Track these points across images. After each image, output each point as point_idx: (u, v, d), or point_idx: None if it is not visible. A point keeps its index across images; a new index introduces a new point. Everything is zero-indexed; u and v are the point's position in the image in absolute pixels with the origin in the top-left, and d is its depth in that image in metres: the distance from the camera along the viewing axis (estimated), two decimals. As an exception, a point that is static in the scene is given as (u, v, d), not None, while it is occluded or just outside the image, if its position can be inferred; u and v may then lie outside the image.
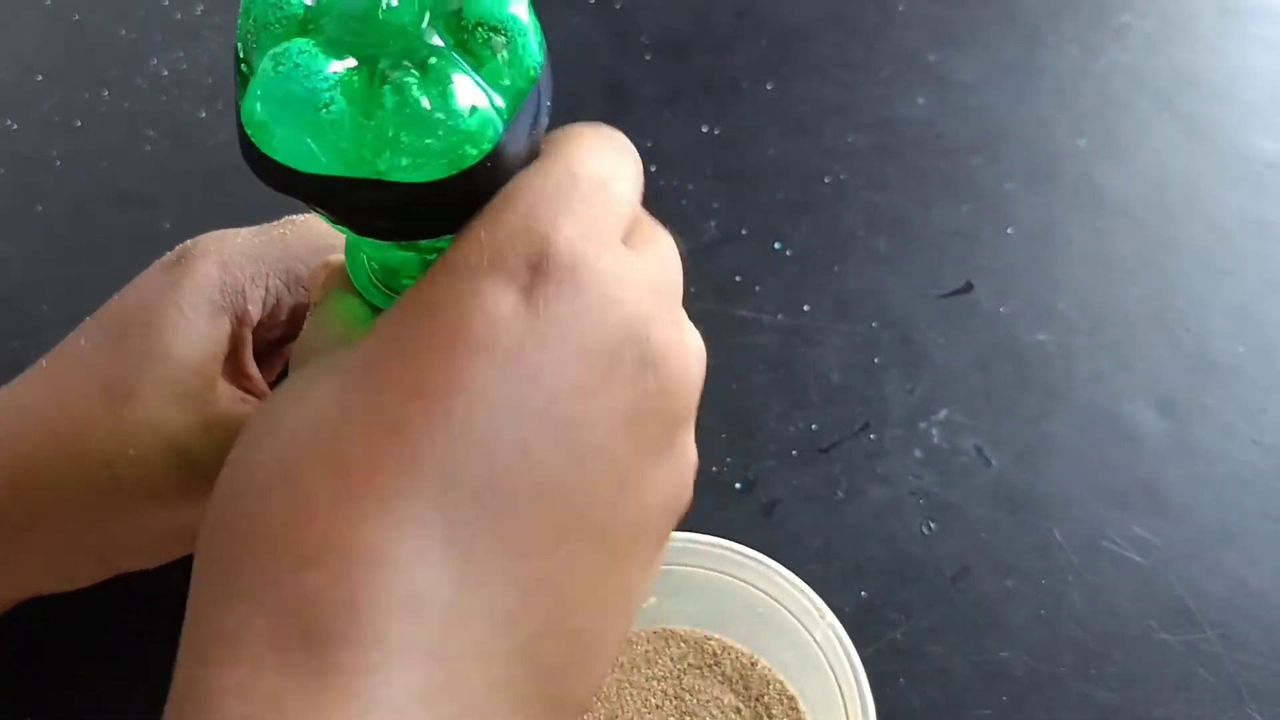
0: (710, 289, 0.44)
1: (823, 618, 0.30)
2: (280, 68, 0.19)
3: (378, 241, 0.23)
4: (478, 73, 0.20)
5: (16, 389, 0.30)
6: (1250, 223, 0.46)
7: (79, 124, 0.50)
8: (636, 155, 0.24)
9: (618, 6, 0.54)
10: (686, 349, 0.22)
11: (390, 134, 0.19)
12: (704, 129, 0.49)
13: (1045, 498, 0.38)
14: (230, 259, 0.30)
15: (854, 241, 0.45)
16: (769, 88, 0.51)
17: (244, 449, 0.20)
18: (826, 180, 0.47)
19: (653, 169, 0.48)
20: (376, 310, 0.26)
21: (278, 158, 0.19)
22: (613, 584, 0.22)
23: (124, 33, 0.53)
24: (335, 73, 0.19)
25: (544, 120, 0.22)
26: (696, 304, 0.43)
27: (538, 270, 0.20)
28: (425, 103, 0.19)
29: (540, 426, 0.19)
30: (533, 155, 0.22)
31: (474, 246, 0.20)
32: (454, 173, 0.20)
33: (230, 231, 0.31)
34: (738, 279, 0.44)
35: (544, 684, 0.20)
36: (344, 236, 0.29)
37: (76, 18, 0.54)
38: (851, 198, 0.47)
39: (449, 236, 0.21)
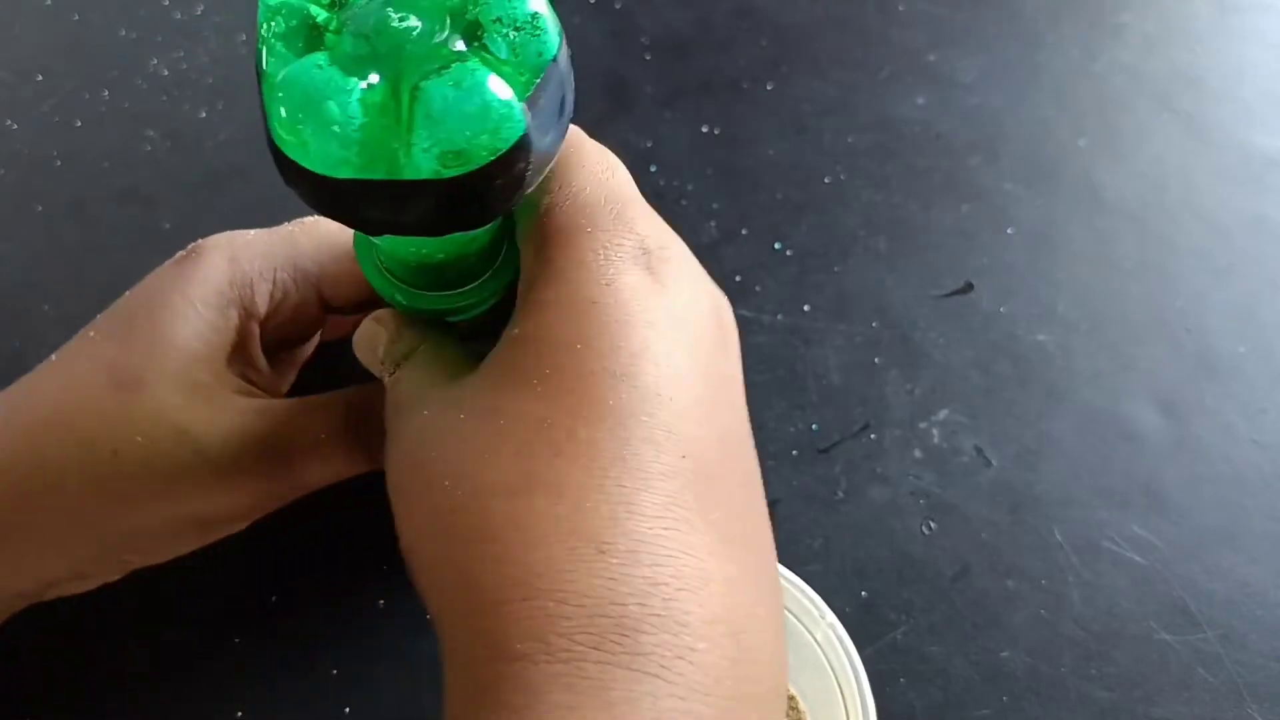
0: (710, 289, 0.44)
1: (823, 617, 0.30)
2: (305, 87, 0.19)
3: (392, 240, 0.23)
4: (498, 70, 0.20)
5: (28, 380, 0.30)
6: (1250, 222, 0.46)
7: (79, 124, 0.50)
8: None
9: (618, 6, 0.54)
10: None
11: (417, 136, 0.19)
12: (704, 129, 0.49)
13: (1045, 498, 0.38)
14: (239, 254, 0.30)
15: (854, 241, 0.45)
16: (769, 88, 0.51)
17: (446, 463, 0.21)
18: (826, 180, 0.47)
19: (653, 169, 0.48)
20: (404, 311, 0.27)
21: (313, 168, 0.20)
22: (768, 535, 0.23)
23: (124, 33, 0.53)
24: (360, 88, 0.19)
25: (569, 110, 0.22)
26: (696, 304, 0.43)
27: (648, 251, 0.22)
28: (448, 102, 0.19)
29: (710, 388, 0.21)
30: (556, 148, 0.22)
31: (589, 242, 0.22)
32: (477, 166, 0.20)
33: (241, 231, 0.31)
34: (738, 279, 0.44)
35: (781, 641, 0.22)
36: (350, 233, 0.29)
37: (76, 18, 0.54)
38: (851, 198, 0.47)
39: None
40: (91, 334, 0.30)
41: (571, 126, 0.25)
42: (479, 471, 0.20)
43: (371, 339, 0.27)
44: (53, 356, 0.30)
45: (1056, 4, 0.55)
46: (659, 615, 0.18)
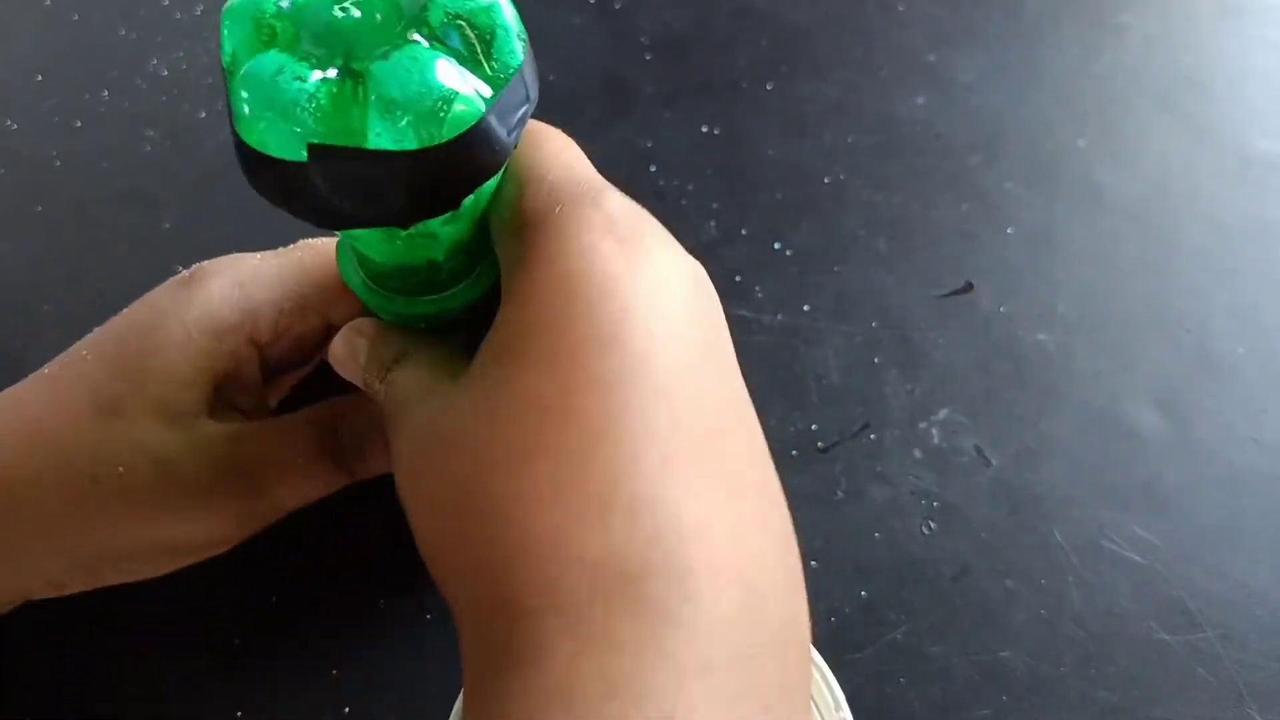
0: (710, 289, 0.44)
1: (838, 709, 0.29)
2: (261, 77, 0.20)
3: (368, 242, 0.24)
4: (457, 58, 0.21)
5: (16, 393, 0.30)
6: (1251, 222, 0.46)
7: (79, 124, 0.50)
8: None
9: (618, 6, 0.54)
10: None
11: (371, 121, 0.20)
12: (704, 129, 0.49)
13: (1045, 498, 0.38)
14: (246, 279, 0.30)
15: (854, 241, 0.45)
16: (769, 88, 0.51)
17: (456, 436, 0.21)
18: (826, 180, 0.47)
19: (653, 169, 0.48)
20: (391, 320, 0.27)
21: (272, 152, 0.20)
22: (775, 485, 0.24)
23: (124, 33, 0.53)
24: (315, 74, 0.20)
25: (533, 99, 0.23)
26: (696, 304, 0.43)
27: (619, 227, 0.22)
28: (396, 82, 0.20)
29: (695, 350, 0.22)
30: (517, 135, 0.22)
31: (562, 219, 0.22)
32: (429, 145, 0.21)
33: (246, 255, 0.31)
34: (738, 279, 0.44)
35: (798, 589, 0.22)
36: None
37: (76, 18, 0.54)
38: (851, 198, 0.47)
39: (437, 221, 0.23)
40: (84, 352, 0.30)
41: (534, 123, 0.25)
42: (480, 450, 0.21)
43: (351, 348, 0.27)
44: (45, 368, 0.30)
45: (1056, 4, 0.55)
46: (662, 565, 0.19)
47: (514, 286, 0.22)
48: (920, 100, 0.50)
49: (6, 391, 0.30)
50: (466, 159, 0.21)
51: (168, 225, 0.46)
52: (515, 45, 0.22)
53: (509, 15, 0.22)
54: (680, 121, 0.50)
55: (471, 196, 0.22)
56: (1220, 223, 0.46)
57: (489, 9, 0.21)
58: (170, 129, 0.50)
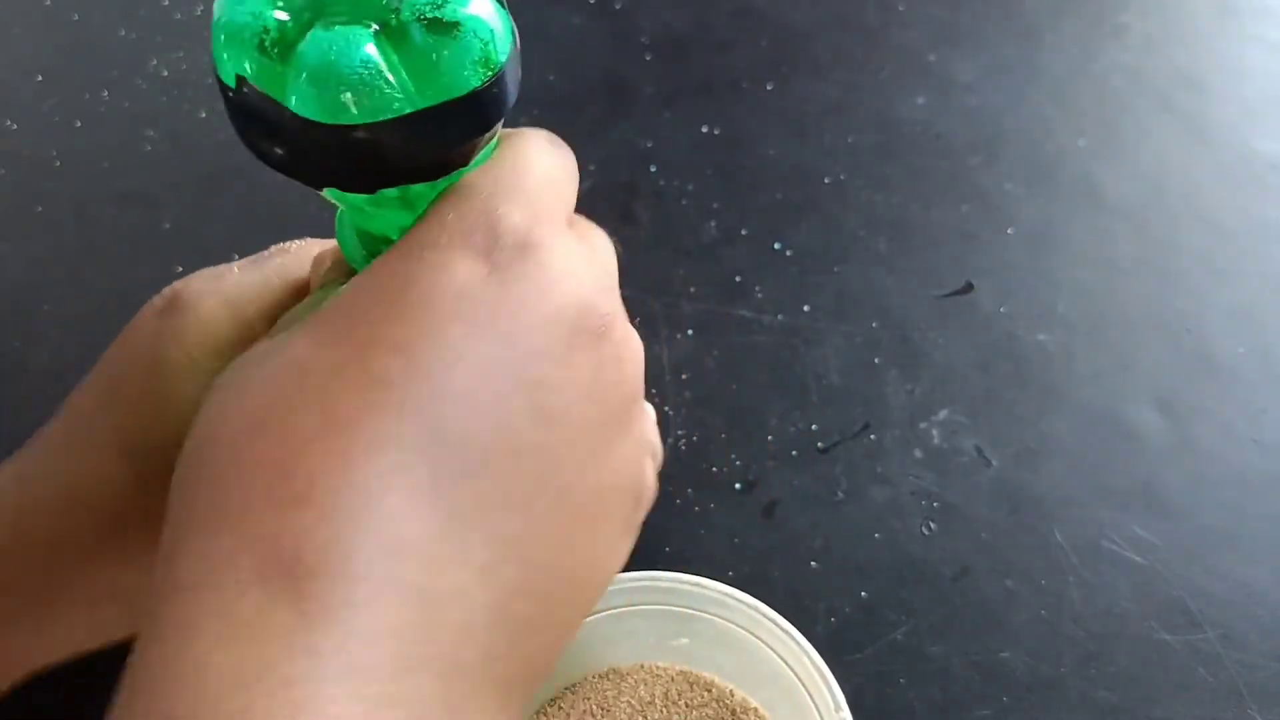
0: (710, 289, 0.44)
1: (838, 710, 0.29)
2: (322, 52, 0.21)
3: (364, 209, 0.24)
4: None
5: (28, 459, 0.29)
6: (1250, 223, 0.46)
7: (79, 124, 0.50)
8: (575, 164, 0.26)
9: (618, 6, 0.54)
10: (629, 331, 0.24)
11: (435, 53, 0.21)
12: (704, 129, 0.49)
13: (1045, 498, 0.38)
14: (232, 296, 0.29)
15: (854, 241, 0.45)
16: (769, 88, 0.51)
17: (225, 393, 0.21)
18: (826, 180, 0.48)
19: (653, 169, 0.48)
20: None
21: (324, 119, 0.21)
22: (580, 552, 0.23)
23: (124, 33, 0.53)
24: (368, 36, 0.21)
25: (509, 102, 0.23)
26: (696, 304, 0.43)
27: (499, 247, 0.21)
28: (450, 10, 0.21)
29: (513, 388, 0.21)
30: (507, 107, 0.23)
31: (439, 226, 0.22)
32: (484, 82, 0.21)
33: (223, 268, 0.30)
34: (738, 279, 0.44)
35: (513, 640, 0.21)
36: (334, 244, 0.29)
37: (76, 18, 0.54)
38: (851, 198, 0.47)
39: (440, 184, 0.23)
40: (86, 401, 0.29)
41: (524, 130, 0.25)
42: (233, 401, 0.21)
43: (318, 264, 0.27)
44: (46, 428, 0.29)
45: (1056, 4, 0.55)
46: (338, 567, 0.19)
47: (377, 261, 0.22)
48: (920, 100, 0.50)
49: (15, 460, 0.29)
50: (490, 100, 0.21)
51: (168, 225, 0.46)
52: (498, 41, 0.22)
53: (489, 14, 0.22)
54: (680, 121, 0.50)
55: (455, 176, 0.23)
56: (1220, 223, 0.46)
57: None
58: (170, 129, 0.50)
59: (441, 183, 0.23)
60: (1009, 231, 0.46)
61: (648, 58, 0.52)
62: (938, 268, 0.44)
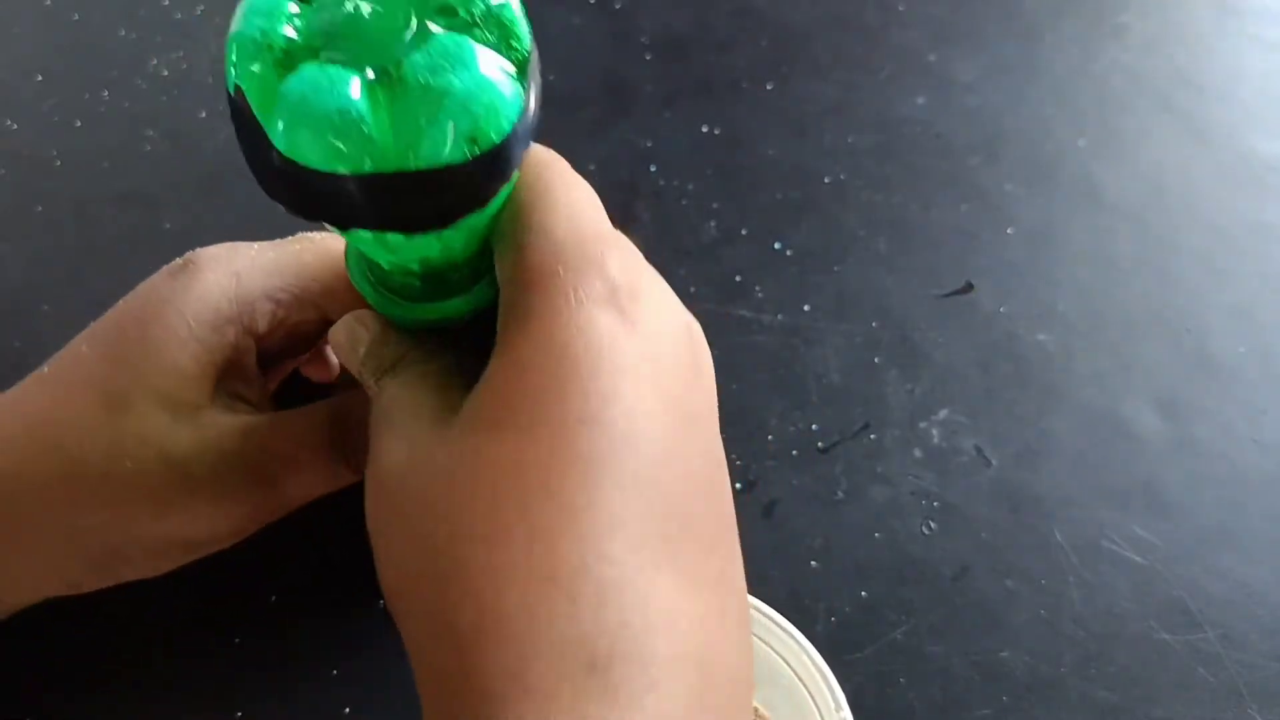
0: (710, 289, 0.44)
1: (838, 710, 0.30)
2: (303, 89, 0.20)
3: (373, 248, 0.24)
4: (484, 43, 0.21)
5: (16, 394, 0.30)
6: (1250, 223, 0.46)
7: (79, 124, 0.50)
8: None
9: (618, 6, 0.54)
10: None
11: (423, 118, 0.20)
12: (704, 129, 0.49)
13: (1045, 498, 0.38)
14: (244, 270, 0.30)
15: (854, 241, 0.45)
16: (769, 88, 0.51)
17: (422, 518, 0.21)
18: (826, 180, 0.48)
19: (653, 169, 0.48)
20: (396, 327, 0.27)
21: (315, 165, 0.20)
22: (738, 573, 0.24)
23: (124, 33, 0.53)
24: (356, 84, 0.20)
25: (540, 99, 0.22)
26: (696, 304, 0.43)
27: (618, 292, 0.22)
28: (447, 78, 0.20)
29: (683, 430, 0.22)
30: (530, 139, 0.22)
31: (558, 285, 0.22)
32: (493, 145, 0.20)
33: (243, 244, 0.31)
34: (738, 279, 0.44)
35: (748, 663, 0.23)
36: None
37: (76, 18, 0.54)
38: (851, 198, 0.47)
39: (465, 221, 0.22)
40: (83, 347, 0.29)
41: (544, 151, 0.25)
42: (457, 516, 0.21)
43: (352, 338, 0.27)
44: (44, 367, 0.30)
45: (1056, 4, 0.55)
46: (627, 653, 0.19)
47: (509, 343, 0.22)
48: (920, 100, 0.50)
49: (7, 393, 0.30)
50: (506, 153, 0.21)
51: (168, 225, 0.46)
52: (528, 36, 0.21)
53: (519, 15, 0.21)
54: (680, 121, 0.50)
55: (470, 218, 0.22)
56: (1220, 223, 0.46)
57: (502, 8, 0.21)
58: (170, 129, 0.50)
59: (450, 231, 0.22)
60: (1009, 231, 0.46)
61: (648, 58, 0.52)
62: (938, 268, 0.44)
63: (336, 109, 0.20)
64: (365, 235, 0.22)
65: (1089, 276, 0.44)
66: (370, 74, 0.20)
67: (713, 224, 0.46)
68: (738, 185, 0.47)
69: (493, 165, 0.21)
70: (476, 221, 0.23)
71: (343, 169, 0.20)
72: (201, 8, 0.54)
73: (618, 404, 0.21)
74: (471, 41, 0.20)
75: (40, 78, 0.52)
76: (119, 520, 0.28)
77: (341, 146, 0.20)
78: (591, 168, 0.47)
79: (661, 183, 0.47)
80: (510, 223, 0.24)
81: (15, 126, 0.50)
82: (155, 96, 0.51)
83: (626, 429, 0.21)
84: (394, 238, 0.22)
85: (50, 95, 0.51)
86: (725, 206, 0.46)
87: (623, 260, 0.23)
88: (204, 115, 0.50)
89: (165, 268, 0.30)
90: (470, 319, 0.26)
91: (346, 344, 0.27)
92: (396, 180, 0.20)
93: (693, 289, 0.44)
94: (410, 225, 0.22)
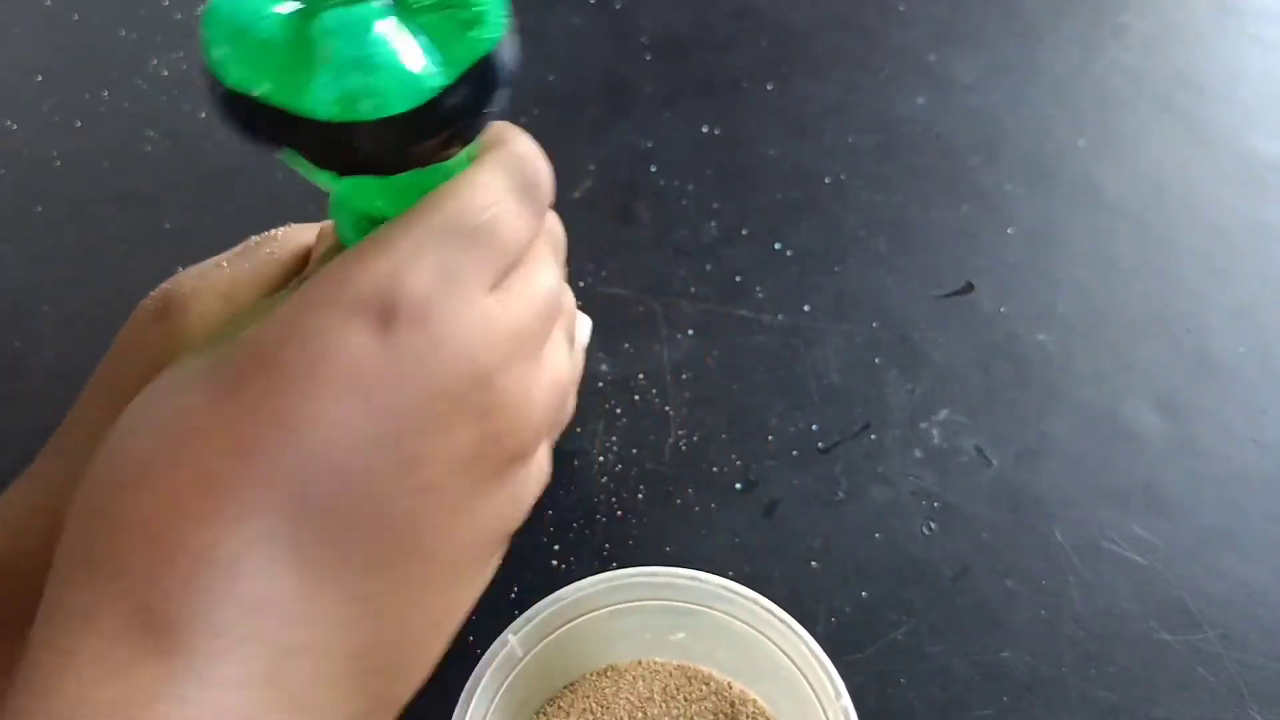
0: (710, 289, 0.44)
1: (838, 698, 0.30)
2: (230, 6, 0.21)
3: (357, 189, 0.24)
4: (428, 33, 0.21)
5: (39, 475, 0.29)
6: (1250, 223, 0.46)
7: (79, 124, 0.50)
8: (548, 179, 0.25)
9: (618, 6, 0.54)
10: (530, 398, 0.24)
11: (310, 65, 0.21)
12: (704, 129, 0.49)
13: (1045, 498, 0.38)
14: (227, 291, 0.29)
15: (854, 241, 0.45)
16: (769, 88, 0.51)
17: (119, 437, 0.22)
18: (826, 180, 0.48)
19: (653, 169, 0.48)
20: None
21: (233, 85, 0.21)
22: (439, 602, 0.24)
23: (124, 33, 0.53)
24: (278, 12, 0.21)
25: (505, 82, 0.22)
26: (696, 304, 0.43)
27: (396, 316, 0.21)
28: (344, 41, 0.21)
29: (384, 462, 0.21)
30: (483, 119, 0.22)
31: (340, 284, 0.22)
32: (382, 116, 0.21)
33: (210, 264, 0.30)
34: (738, 279, 0.44)
35: (369, 684, 0.23)
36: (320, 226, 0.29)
37: (76, 18, 0.54)
38: (851, 198, 0.47)
39: (432, 168, 0.23)
40: (91, 414, 0.29)
41: (511, 129, 0.25)
42: (125, 444, 0.22)
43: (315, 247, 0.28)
44: (52, 442, 0.29)
45: (1056, 4, 0.55)
46: (200, 623, 0.20)
47: (277, 307, 0.22)
48: (920, 100, 0.50)
49: (30, 475, 0.29)
50: (381, 136, 0.21)
51: (168, 225, 0.46)
52: (498, 26, 0.22)
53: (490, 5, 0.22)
54: (680, 121, 0.50)
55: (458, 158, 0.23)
56: (1220, 223, 0.46)
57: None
58: (170, 129, 0.50)
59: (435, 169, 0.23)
60: (1009, 231, 0.46)
61: (648, 58, 0.52)
62: (938, 268, 0.44)
63: (248, 22, 0.21)
64: (324, 175, 0.23)
65: (1089, 276, 0.44)
66: (294, 5, 0.21)
67: (713, 224, 0.46)
68: (738, 185, 0.47)
69: (381, 135, 0.21)
70: (410, 183, 0.23)
71: (250, 87, 0.21)
72: (201, 8, 0.54)
73: (314, 417, 0.21)
74: (391, 21, 0.21)
75: (40, 78, 0.52)
76: None
77: (244, 61, 0.21)
78: (591, 168, 0.47)
79: (661, 183, 0.47)
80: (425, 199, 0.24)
81: (15, 126, 0.50)
82: (155, 96, 0.51)
83: (310, 442, 0.21)
84: (337, 183, 0.23)
85: (50, 95, 0.51)
86: (725, 206, 0.46)
87: (431, 291, 0.22)
88: (204, 115, 0.50)
89: (140, 311, 0.29)
90: None
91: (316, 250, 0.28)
92: (297, 118, 0.21)
93: (693, 289, 0.44)
94: (324, 162, 0.22)
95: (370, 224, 0.25)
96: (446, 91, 0.21)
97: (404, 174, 0.23)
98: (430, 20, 0.21)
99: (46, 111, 0.50)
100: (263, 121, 0.21)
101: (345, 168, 0.22)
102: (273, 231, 0.31)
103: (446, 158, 0.23)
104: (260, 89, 0.21)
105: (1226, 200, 0.47)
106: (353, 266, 0.22)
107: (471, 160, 0.24)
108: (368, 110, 0.21)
